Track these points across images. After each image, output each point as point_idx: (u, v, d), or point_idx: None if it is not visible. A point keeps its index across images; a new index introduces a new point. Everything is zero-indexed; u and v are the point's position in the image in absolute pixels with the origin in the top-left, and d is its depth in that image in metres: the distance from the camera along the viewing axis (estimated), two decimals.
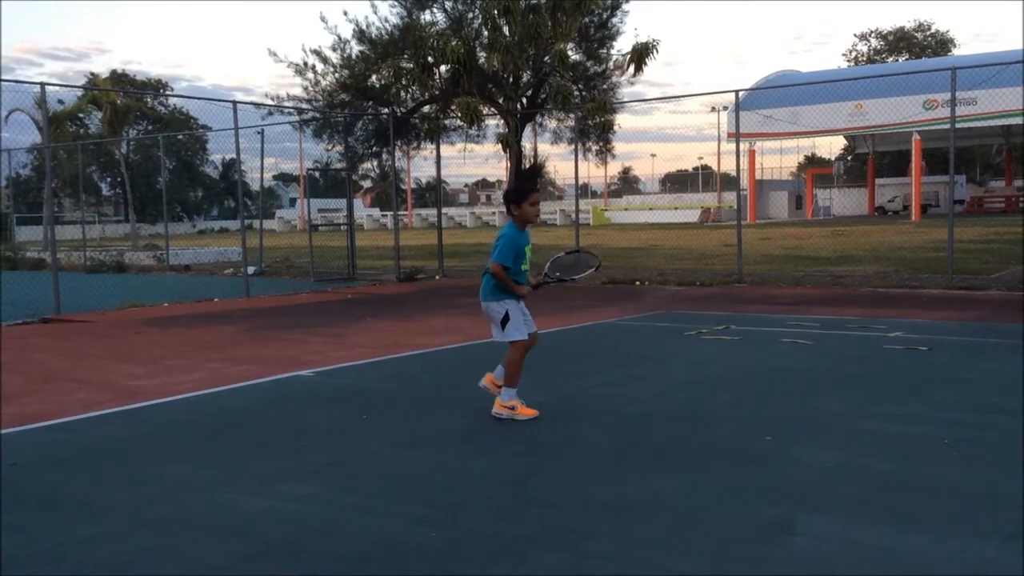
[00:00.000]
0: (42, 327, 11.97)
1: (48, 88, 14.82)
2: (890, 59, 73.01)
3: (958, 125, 14.94)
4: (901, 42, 75.09)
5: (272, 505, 4.30)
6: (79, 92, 38.33)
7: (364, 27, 19.87)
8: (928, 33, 75.47)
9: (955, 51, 72.31)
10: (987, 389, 6.56)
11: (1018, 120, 43.04)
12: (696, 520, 3.96)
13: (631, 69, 17.67)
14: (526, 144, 20.18)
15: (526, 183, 6.24)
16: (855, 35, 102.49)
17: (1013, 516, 3.90)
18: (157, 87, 74.80)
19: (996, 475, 4.48)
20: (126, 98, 41.19)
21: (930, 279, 14.61)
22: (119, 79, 65.71)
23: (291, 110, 20.94)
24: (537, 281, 6.17)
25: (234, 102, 16.44)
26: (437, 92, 19.36)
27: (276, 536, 3.88)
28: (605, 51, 20.22)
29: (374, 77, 20.37)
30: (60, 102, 38.24)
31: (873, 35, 77.21)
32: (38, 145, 33.07)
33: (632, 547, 3.65)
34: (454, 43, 17.07)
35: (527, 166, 19.77)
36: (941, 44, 74.09)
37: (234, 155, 17.82)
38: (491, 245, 6.09)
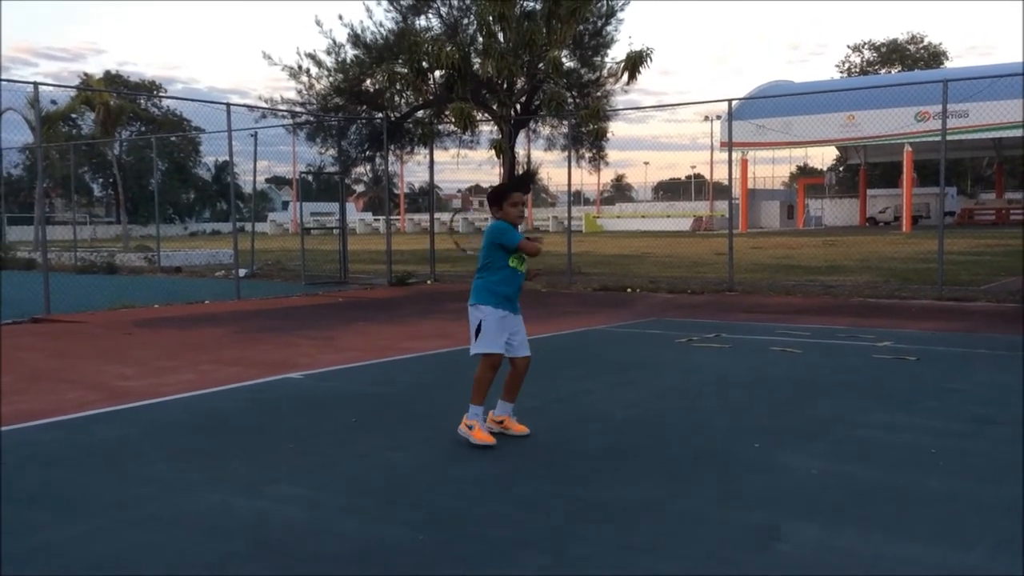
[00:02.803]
0: (32, 327, 11.93)
1: (41, 88, 14.82)
2: (882, 71, 73.38)
3: (949, 137, 15.04)
4: (894, 54, 75.45)
5: (261, 506, 4.30)
6: (72, 92, 38.27)
7: (359, 31, 19.90)
8: (921, 46, 75.86)
9: (948, 64, 72.74)
10: (975, 399, 6.59)
11: (1009, 133, 43.34)
12: (683, 525, 3.98)
13: (625, 77, 17.70)
14: (519, 150, 20.25)
15: (509, 182, 6.05)
16: (848, 46, 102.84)
17: (998, 525, 3.92)
18: (151, 88, 74.69)
19: (982, 484, 4.51)
20: (119, 99, 41.12)
21: (920, 290, 14.67)
22: (112, 80, 65.60)
23: (285, 113, 20.94)
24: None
25: (227, 104, 16.46)
26: (431, 97, 19.39)
27: (265, 537, 3.88)
28: (599, 59, 20.30)
29: (368, 81, 20.38)
30: (53, 102, 38.15)
31: (866, 47, 77.59)
32: (30, 145, 32.95)
33: (620, 551, 3.67)
34: (449, 49, 17.11)
35: (520, 172, 19.81)
36: (933, 56, 74.47)
37: (227, 157, 17.82)
38: (479, 249, 5.81)
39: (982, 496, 4.32)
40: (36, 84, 14.12)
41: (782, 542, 3.75)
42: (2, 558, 3.63)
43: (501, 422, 5.67)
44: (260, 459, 5.17)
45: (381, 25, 20.33)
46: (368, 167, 22.33)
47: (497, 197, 5.66)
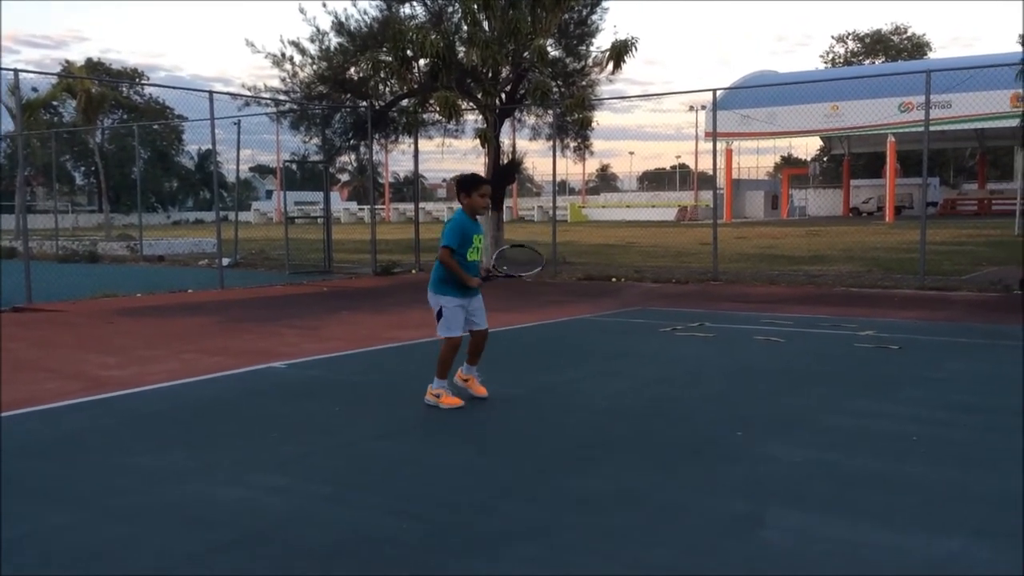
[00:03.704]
0: (13, 316, 11.83)
1: (22, 75, 14.65)
2: (866, 61, 73.57)
3: (932, 128, 15.08)
4: (877, 45, 75.67)
5: (244, 496, 4.28)
6: (54, 80, 37.92)
7: (343, 19, 19.78)
8: (904, 36, 76.10)
9: (931, 54, 73.02)
10: (956, 388, 6.64)
11: (992, 124, 43.58)
12: (668, 514, 3.99)
13: (610, 66, 17.67)
14: (504, 139, 20.15)
15: (480, 175, 6.25)
16: (832, 37, 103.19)
17: (979, 512, 3.95)
18: (133, 76, 74.09)
19: (963, 471, 4.54)
20: (101, 87, 40.77)
21: (903, 279, 14.76)
22: (94, 67, 65.02)
23: (268, 101, 20.82)
24: (486, 274, 6.21)
25: (210, 92, 16.34)
26: (416, 86, 19.30)
27: (248, 527, 3.87)
28: (584, 48, 20.25)
29: (352, 70, 20.28)
30: (34, 90, 37.79)
31: (850, 37, 77.77)
32: (11, 133, 32.63)
33: (604, 540, 3.68)
34: (433, 37, 17.02)
35: (505, 161, 19.77)
36: (917, 47, 74.72)
37: (210, 146, 17.69)
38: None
39: (964, 483, 4.35)
40: (17, 71, 13.94)
41: (765, 530, 3.77)
42: (1, 547, 3.61)
43: (467, 380, 6.30)
44: (243, 449, 5.15)
45: (365, 13, 20.34)
46: (352, 156, 22.25)
47: (467, 185, 6.05)
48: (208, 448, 5.18)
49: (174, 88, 65.99)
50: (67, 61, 65.33)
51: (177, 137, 72.85)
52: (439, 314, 6.04)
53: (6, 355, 8.58)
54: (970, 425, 5.49)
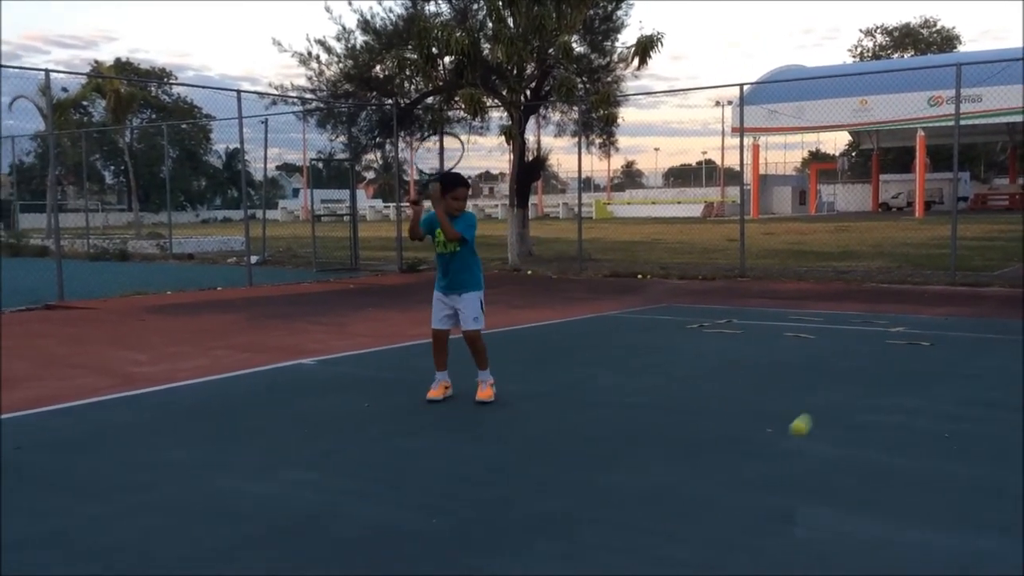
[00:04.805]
0: (45, 313, 11.99)
1: (52, 75, 14.82)
2: (895, 55, 72.84)
3: (963, 122, 14.93)
4: (907, 38, 74.89)
5: (273, 491, 4.31)
6: (83, 80, 38.35)
7: (369, 17, 19.90)
8: (934, 30, 75.26)
9: (961, 48, 72.17)
10: (988, 384, 6.56)
11: (1023, 118, 42.98)
12: (695, 510, 3.97)
13: (635, 62, 17.63)
14: (529, 136, 20.17)
15: (461, 176, 6.24)
16: (860, 31, 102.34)
17: (1012, 509, 3.90)
18: (161, 76, 74.74)
19: (996, 469, 4.48)
20: (130, 86, 41.17)
21: (933, 275, 14.59)
22: (123, 67, 65.65)
23: (295, 100, 20.94)
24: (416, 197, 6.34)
25: (238, 91, 16.45)
26: (441, 83, 19.35)
27: (276, 521, 3.89)
28: (610, 44, 20.24)
29: (378, 68, 20.37)
30: (64, 90, 38.22)
31: (879, 31, 77.03)
32: (42, 132, 33.07)
33: (631, 536, 3.67)
34: (458, 34, 17.05)
35: (530, 158, 19.76)
36: (947, 40, 73.89)
37: (238, 144, 17.82)
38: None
39: (996, 481, 4.29)
40: (47, 71, 14.12)
41: (795, 527, 3.74)
42: (3, 544, 3.66)
43: (478, 384, 6.25)
44: (272, 444, 5.18)
45: (391, 11, 20.38)
46: (378, 154, 22.37)
47: (445, 186, 6.01)
48: (237, 443, 5.22)
49: (202, 87, 66.70)
50: (96, 61, 66.10)
51: (205, 136, 73.41)
52: None
53: (38, 352, 8.69)
54: (1003, 421, 5.42)
